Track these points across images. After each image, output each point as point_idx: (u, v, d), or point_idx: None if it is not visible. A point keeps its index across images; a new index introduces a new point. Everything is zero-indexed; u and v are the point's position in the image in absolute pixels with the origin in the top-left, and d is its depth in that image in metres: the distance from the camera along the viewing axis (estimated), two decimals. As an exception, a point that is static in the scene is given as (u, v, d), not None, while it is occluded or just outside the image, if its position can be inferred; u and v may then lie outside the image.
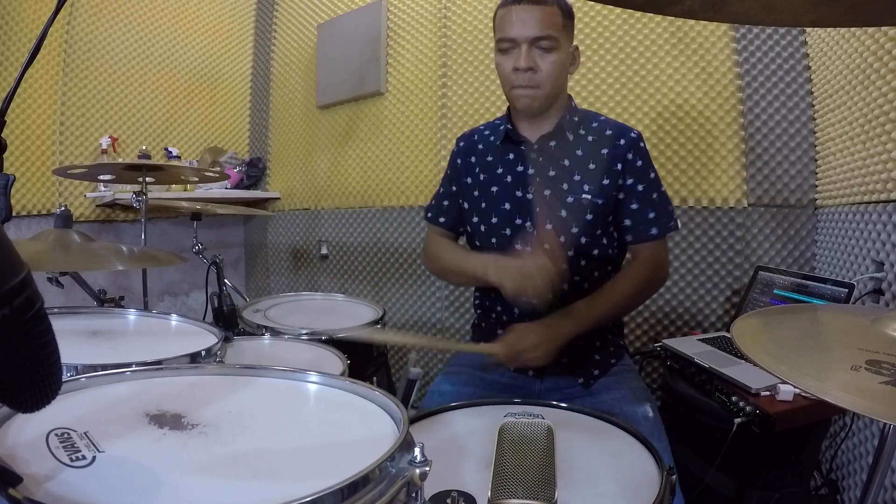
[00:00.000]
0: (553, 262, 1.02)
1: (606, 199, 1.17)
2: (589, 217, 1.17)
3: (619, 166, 1.17)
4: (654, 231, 1.18)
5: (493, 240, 1.25)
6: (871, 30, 1.36)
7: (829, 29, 1.59)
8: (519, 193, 1.21)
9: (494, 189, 1.25)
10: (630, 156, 1.18)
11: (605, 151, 1.18)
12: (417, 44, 2.42)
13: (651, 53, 1.89)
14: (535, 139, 1.22)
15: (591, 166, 1.18)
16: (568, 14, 1.17)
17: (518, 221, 1.21)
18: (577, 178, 1.18)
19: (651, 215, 1.18)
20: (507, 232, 1.23)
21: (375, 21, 2.50)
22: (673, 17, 1.79)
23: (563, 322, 1.11)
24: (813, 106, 1.72)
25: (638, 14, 1.89)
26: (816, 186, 1.72)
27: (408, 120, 2.45)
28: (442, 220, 1.37)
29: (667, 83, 1.87)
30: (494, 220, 1.24)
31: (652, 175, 1.20)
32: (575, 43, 1.21)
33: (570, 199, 1.18)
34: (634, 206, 1.18)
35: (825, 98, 1.64)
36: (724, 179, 1.80)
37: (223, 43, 3.06)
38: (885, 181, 1.29)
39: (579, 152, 1.20)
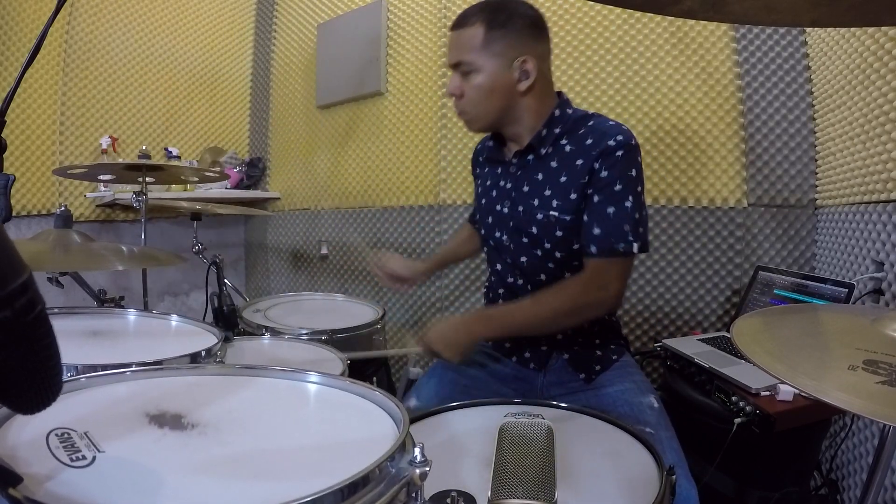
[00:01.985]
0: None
1: (574, 216, 1.09)
2: (559, 234, 1.12)
3: (587, 178, 1.07)
4: (592, 249, 1.06)
5: (485, 249, 1.33)
6: (871, 30, 1.36)
7: (829, 29, 1.59)
8: (499, 208, 1.23)
9: (484, 201, 1.29)
10: (597, 165, 1.06)
11: (579, 163, 1.09)
12: (417, 44, 2.42)
13: (651, 53, 1.89)
14: (511, 155, 1.23)
15: (563, 179, 1.11)
16: (497, 25, 1.08)
17: (497, 234, 1.24)
18: (547, 192, 1.13)
19: (596, 231, 1.05)
20: (492, 243, 1.27)
21: (375, 21, 2.50)
22: (673, 17, 1.79)
23: (476, 326, 1.11)
24: (813, 106, 1.72)
25: (638, 14, 1.89)
26: (816, 186, 1.72)
27: (408, 120, 2.45)
28: (477, 216, 1.43)
29: (667, 83, 1.87)
30: (482, 231, 1.30)
31: (617, 187, 1.05)
32: (525, 56, 1.08)
33: (539, 216, 1.13)
34: (585, 219, 1.08)
35: (825, 98, 1.64)
36: (724, 179, 1.80)
37: (223, 43, 3.06)
38: (885, 181, 1.29)
39: (554, 164, 1.13)
